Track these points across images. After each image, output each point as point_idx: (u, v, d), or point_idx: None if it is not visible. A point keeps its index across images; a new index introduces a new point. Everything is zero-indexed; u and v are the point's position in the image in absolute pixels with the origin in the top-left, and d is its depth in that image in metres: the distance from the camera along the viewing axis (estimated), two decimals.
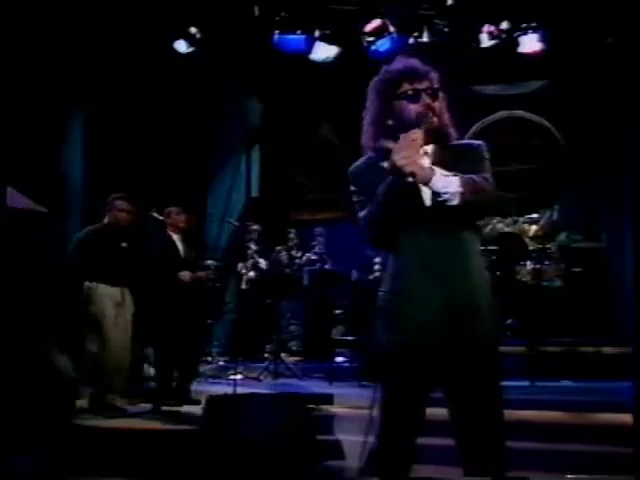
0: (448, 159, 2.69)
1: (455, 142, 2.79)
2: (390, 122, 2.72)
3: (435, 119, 2.70)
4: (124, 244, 6.06)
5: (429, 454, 3.38)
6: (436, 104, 2.71)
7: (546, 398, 5.59)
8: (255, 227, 8.07)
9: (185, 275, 6.25)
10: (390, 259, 2.76)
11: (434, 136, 2.70)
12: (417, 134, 2.60)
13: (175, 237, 6.47)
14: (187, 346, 6.22)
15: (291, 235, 8.67)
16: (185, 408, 5.82)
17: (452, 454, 2.66)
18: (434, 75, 2.75)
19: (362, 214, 2.71)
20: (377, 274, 6.83)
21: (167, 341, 6.15)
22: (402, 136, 2.60)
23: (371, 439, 2.70)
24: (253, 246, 7.94)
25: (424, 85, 2.71)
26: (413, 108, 2.69)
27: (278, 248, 8.40)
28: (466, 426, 2.59)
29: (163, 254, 6.28)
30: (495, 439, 2.59)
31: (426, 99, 2.70)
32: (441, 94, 2.75)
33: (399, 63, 2.78)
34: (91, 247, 5.96)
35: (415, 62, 2.78)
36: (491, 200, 2.67)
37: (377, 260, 6.93)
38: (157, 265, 6.18)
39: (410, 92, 2.70)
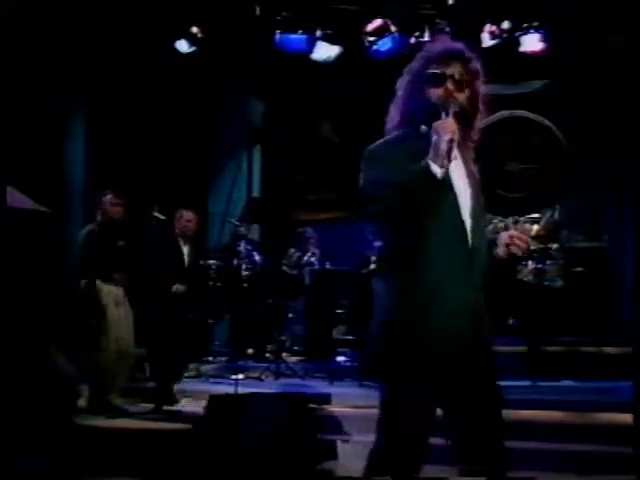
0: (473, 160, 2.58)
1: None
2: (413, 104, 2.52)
3: (458, 108, 2.45)
4: (121, 242, 6.05)
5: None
6: (461, 95, 2.49)
7: (547, 398, 5.60)
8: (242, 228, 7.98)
9: (179, 288, 6.29)
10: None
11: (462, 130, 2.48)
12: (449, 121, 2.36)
13: (182, 243, 6.48)
14: (178, 347, 6.25)
15: (307, 235, 8.62)
16: (186, 408, 5.83)
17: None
18: (470, 63, 2.52)
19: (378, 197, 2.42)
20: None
21: (162, 342, 6.18)
22: (439, 122, 2.36)
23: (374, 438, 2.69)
24: (243, 244, 7.90)
25: (451, 71, 2.49)
26: (434, 92, 2.49)
27: (292, 250, 8.38)
28: (468, 426, 2.54)
29: (163, 255, 6.27)
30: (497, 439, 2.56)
31: (449, 85, 2.48)
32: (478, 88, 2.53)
33: (439, 43, 2.60)
34: (90, 247, 5.96)
35: (455, 45, 2.56)
36: None
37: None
38: (155, 265, 6.18)
39: (436, 74, 2.48)
